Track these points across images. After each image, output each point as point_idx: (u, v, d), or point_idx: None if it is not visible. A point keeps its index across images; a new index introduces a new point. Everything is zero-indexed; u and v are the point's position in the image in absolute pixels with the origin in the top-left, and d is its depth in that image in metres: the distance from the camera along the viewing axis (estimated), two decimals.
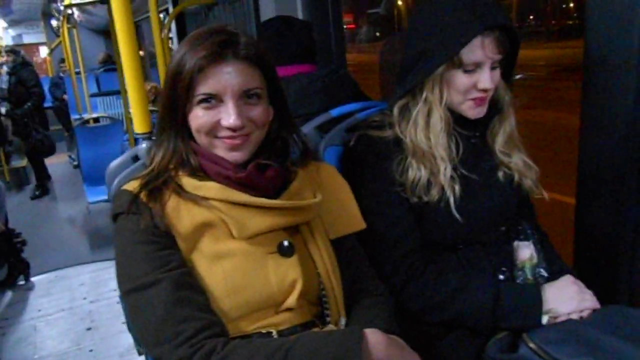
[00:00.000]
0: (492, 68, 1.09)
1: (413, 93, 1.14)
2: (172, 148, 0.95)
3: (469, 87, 1.09)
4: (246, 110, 0.92)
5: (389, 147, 1.15)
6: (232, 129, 0.91)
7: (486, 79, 1.08)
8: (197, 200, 0.92)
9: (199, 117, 0.92)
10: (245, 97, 0.92)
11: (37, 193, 5.78)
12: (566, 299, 1.06)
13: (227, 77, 0.90)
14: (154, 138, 1.20)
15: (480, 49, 1.05)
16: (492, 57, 1.07)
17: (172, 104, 0.93)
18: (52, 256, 4.04)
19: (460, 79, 1.09)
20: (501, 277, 1.15)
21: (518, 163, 1.19)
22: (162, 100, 0.96)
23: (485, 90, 1.09)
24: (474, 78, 1.08)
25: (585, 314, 1.05)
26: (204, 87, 0.90)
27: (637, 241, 1.25)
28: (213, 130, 0.92)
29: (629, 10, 1.13)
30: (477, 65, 1.08)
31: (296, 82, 1.58)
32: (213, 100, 0.91)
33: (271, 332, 0.92)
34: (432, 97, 1.11)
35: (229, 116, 0.90)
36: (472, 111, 1.13)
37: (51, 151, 5.75)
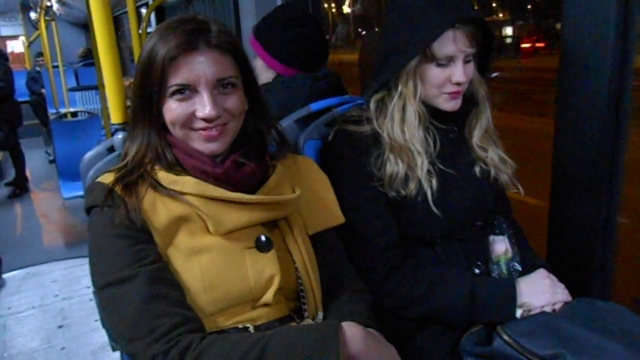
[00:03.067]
0: (466, 61, 1.10)
1: (388, 87, 1.15)
2: (146, 141, 0.93)
3: (443, 81, 1.10)
4: (221, 100, 0.90)
5: (367, 142, 1.15)
6: (207, 120, 0.89)
7: (460, 72, 1.09)
8: (173, 195, 0.90)
9: (172, 109, 0.90)
10: (219, 86, 0.90)
11: (17, 191, 5.64)
12: (539, 292, 1.08)
13: (199, 66, 0.88)
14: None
15: (452, 43, 1.06)
16: (465, 51, 1.08)
17: (145, 96, 0.90)
18: (25, 253, 3.96)
19: (434, 72, 1.10)
20: (477, 271, 1.16)
21: (494, 158, 1.20)
22: (134, 92, 0.93)
23: (459, 84, 1.10)
24: (448, 72, 1.09)
25: (557, 307, 1.07)
26: (177, 78, 0.88)
27: (608, 236, 1.28)
28: (188, 122, 0.90)
29: (604, 12, 1.15)
30: (450, 59, 1.08)
31: (294, 80, 1.54)
32: (187, 91, 0.89)
33: (248, 327, 0.91)
34: (407, 91, 1.12)
35: (204, 107, 0.88)
36: (447, 104, 1.14)
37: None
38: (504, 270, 1.16)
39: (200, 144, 0.92)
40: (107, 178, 0.92)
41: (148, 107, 0.91)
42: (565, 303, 1.08)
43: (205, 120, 0.89)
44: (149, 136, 0.93)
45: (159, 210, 0.89)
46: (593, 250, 1.28)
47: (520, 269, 1.16)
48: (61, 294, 3.27)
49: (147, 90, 0.90)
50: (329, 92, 1.53)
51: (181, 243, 0.89)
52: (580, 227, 1.29)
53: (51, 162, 5.46)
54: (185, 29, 0.88)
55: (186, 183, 0.91)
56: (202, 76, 0.88)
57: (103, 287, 0.85)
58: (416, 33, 1.07)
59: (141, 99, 0.91)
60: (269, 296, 0.92)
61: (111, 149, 1.24)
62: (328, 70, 1.63)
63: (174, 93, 0.89)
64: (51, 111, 5.97)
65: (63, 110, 5.27)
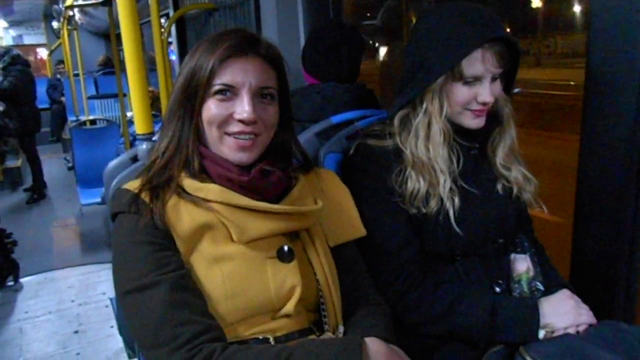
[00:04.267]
0: (493, 80, 1.09)
1: (413, 104, 1.14)
2: (177, 139, 0.94)
3: (469, 100, 1.09)
4: (259, 108, 0.93)
5: (389, 157, 1.14)
6: (245, 122, 0.91)
7: (486, 92, 1.08)
8: (197, 202, 0.91)
9: (212, 108, 0.92)
10: (260, 95, 0.93)
11: (34, 197, 5.72)
12: (562, 313, 1.06)
13: (246, 71, 0.91)
14: (154, 139, 1.19)
15: (480, 62, 1.05)
16: (493, 71, 1.07)
17: (188, 93, 0.93)
18: (42, 258, 4.00)
19: (460, 91, 1.09)
20: (497, 289, 1.15)
21: (517, 176, 1.18)
22: (174, 94, 0.95)
23: (485, 103, 1.09)
24: (474, 90, 1.08)
25: (581, 328, 1.05)
26: (223, 78, 0.91)
27: (633, 257, 1.25)
28: (225, 123, 0.92)
29: (632, 30, 1.14)
30: (477, 78, 1.07)
31: (325, 89, 1.62)
32: (228, 92, 0.91)
33: (268, 338, 0.91)
34: (432, 108, 1.11)
35: (243, 109, 0.90)
36: (472, 122, 1.13)
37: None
38: (526, 289, 1.14)
39: (231, 152, 0.93)
40: (133, 185, 0.93)
41: (190, 104, 0.93)
42: (589, 325, 1.06)
43: (242, 122, 0.91)
44: (180, 131, 0.94)
45: (182, 217, 0.90)
46: (617, 270, 1.25)
47: (542, 288, 1.14)
48: (77, 299, 3.30)
49: (192, 88, 0.92)
50: (360, 104, 1.57)
51: (204, 250, 0.90)
52: (605, 247, 1.26)
53: (70, 168, 5.52)
54: (237, 35, 0.93)
55: (211, 190, 0.91)
56: (246, 81, 0.91)
57: (126, 294, 0.85)
58: (444, 51, 1.05)
59: (183, 96, 0.93)
60: (290, 307, 0.92)
61: (134, 159, 1.26)
62: (362, 82, 1.71)
63: (216, 92, 0.91)
64: (71, 118, 6.07)
65: (83, 118, 5.34)
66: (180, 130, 0.95)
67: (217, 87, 0.91)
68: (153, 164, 0.95)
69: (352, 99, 1.59)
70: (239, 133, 0.92)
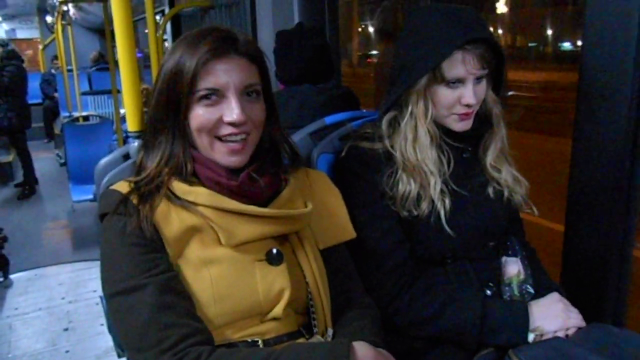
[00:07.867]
0: (478, 82, 1.09)
1: (400, 106, 1.14)
2: (168, 152, 0.93)
3: (452, 102, 1.09)
4: (247, 107, 0.91)
5: (380, 160, 1.14)
6: (234, 125, 0.89)
7: (469, 94, 1.07)
8: (186, 205, 0.90)
9: (200, 115, 0.90)
10: (245, 93, 0.91)
11: (25, 192, 5.68)
12: (552, 316, 1.06)
13: (229, 72, 0.89)
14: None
15: (461, 64, 1.05)
16: (474, 73, 1.06)
17: (171, 103, 0.90)
18: (33, 254, 3.97)
19: (444, 93, 1.09)
20: (488, 292, 1.15)
21: (507, 178, 1.19)
22: (156, 100, 0.93)
23: (469, 106, 1.09)
24: (458, 93, 1.08)
25: (570, 332, 1.05)
26: (206, 83, 0.89)
27: (624, 261, 1.26)
28: (214, 128, 0.91)
29: (625, 37, 1.14)
30: (460, 80, 1.07)
31: (300, 93, 1.60)
32: (214, 96, 0.89)
33: (257, 341, 0.91)
34: (417, 111, 1.11)
35: (231, 111, 0.89)
36: (457, 125, 1.13)
37: None
38: (516, 292, 1.14)
39: (223, 156, 0.92)
40: (123, 186, 0.92)
41: (175, 114, 0.91)
42: (579, 328, 1.06)
43: (232, 124, 0.90)
44: (172, 145, 0.93)
45: (171, 221, 0.89)
46: (608, 274, 1.25)
47: (532, 291, 1.14)
48: (67, 296, 3.28)
49: (175, 97, 0.90)
50: (337, 105, 1.56)
51: (192, 253, 0.89)
52: (596, 251, 1.27)
53: (62, 164, 5.48)
54: (216, 36, 0.90)
55: (200, 194, 0.91)
56: (231, 82, 0.89)
57: (112, 296, 0.85)
58: (425, 53, 1.06)
59: (166, 107, 0.91)
60: (278, 310, 0.92)
61: (126, 157, 1.25)
62: (335, 83, 1.68)
63: (201, 98, 0.89)
64: (64, 114, 6.02)
65: (76, 114, 5.31)
66: (171, 143, 0.93)
67: (202, 93, 0.89)
68: (142, 172, 0.93)
69: (327, 101, 1.57)
70: (230, 135, 0.91)
